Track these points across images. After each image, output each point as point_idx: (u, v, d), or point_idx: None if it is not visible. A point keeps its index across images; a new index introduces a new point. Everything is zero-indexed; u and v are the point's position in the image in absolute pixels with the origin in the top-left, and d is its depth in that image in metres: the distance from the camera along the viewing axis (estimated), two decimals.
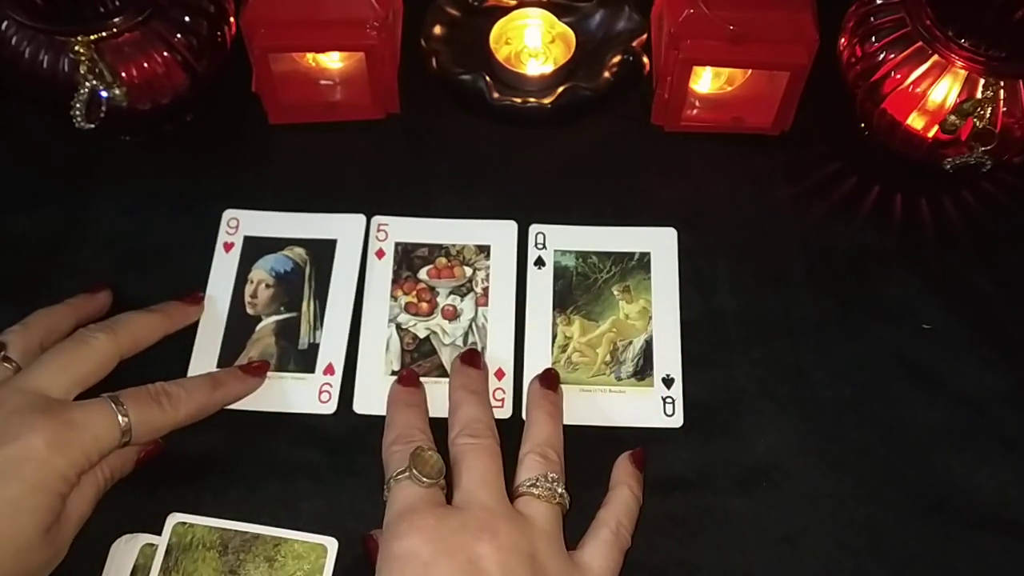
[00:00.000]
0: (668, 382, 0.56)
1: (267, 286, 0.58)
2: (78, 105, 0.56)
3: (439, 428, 0.51)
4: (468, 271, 0.59)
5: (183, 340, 0.56)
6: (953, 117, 0.56)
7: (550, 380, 0.53)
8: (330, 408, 0.55)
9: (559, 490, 0.48)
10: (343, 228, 0.60)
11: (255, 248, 0.59)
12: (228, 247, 0.59)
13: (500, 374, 0.55)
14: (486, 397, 0.53)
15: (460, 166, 0.63)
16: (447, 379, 0.54)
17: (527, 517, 0.47)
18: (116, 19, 0.55)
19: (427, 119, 0.64)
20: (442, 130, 0.64)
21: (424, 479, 0.46)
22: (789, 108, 0.62)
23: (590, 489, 0.50)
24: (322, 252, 0.59)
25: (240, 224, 0.60)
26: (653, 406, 0.55)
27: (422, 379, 0.54)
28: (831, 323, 0.58)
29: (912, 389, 0.56)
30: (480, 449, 0.49)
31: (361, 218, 0.60)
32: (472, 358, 0.54)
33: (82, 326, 0.53)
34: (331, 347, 0.56)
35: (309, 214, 0.60)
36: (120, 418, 0.48)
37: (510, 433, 0.51)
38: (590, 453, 0.52)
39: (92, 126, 0.57)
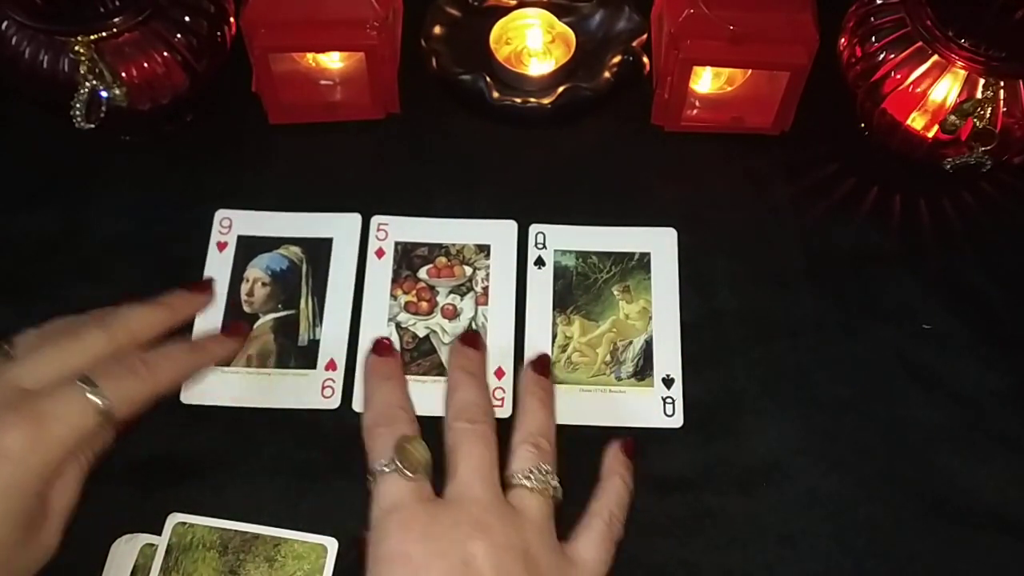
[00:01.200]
0: (668, 382, 0.56)
1: (263, 284, 0.58)
2: (78, 105, 0.55)
3: (439, 427, 0.50)
4: (468, 270, 0.59)
5: None
6: (953, 117, 0.56)
7: (542, 365, 0.53)
8: (334, 403, 0.54)
9: (553, 482, 0.48)
10: (339, 227, 0.60)
11: (249, 247, 0.59)
12: (222, 246, 0.59)
13: (500, 373, 0.55)
14: (484, 379, 0.52)
15: (460, 166, 0.63)
16: (446, 378, 0.54)
17: (520, 511, 0.46)
18: (116, 19, 0.55)
19: (427, 119, 0.64)
20: (442, 130, 0.64)
21: (410, 473, 0.46)
22: (789, 108, 0.62)
23: (590, 489, 0.50)
24: (318, 251, 0.59)
25: (233, 224, 0.60)
26: (653, 406, 0.55)
27: (422, 378, 0.54)
28: (831, 323, 0.57)
29: (912, 389, 0.56)
30: (476, 436, 0.48)
31: (356, 217, 0.60)
32: (472, 339, 0.53)
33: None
34: (332, 343, 0.56)
35: (303, 214, 0.60)
36: (94, 399, 0.44)
37: (510, 432, 0.50)
38: (590, 453, 0.52)
39: (92, 126, 0.57)
